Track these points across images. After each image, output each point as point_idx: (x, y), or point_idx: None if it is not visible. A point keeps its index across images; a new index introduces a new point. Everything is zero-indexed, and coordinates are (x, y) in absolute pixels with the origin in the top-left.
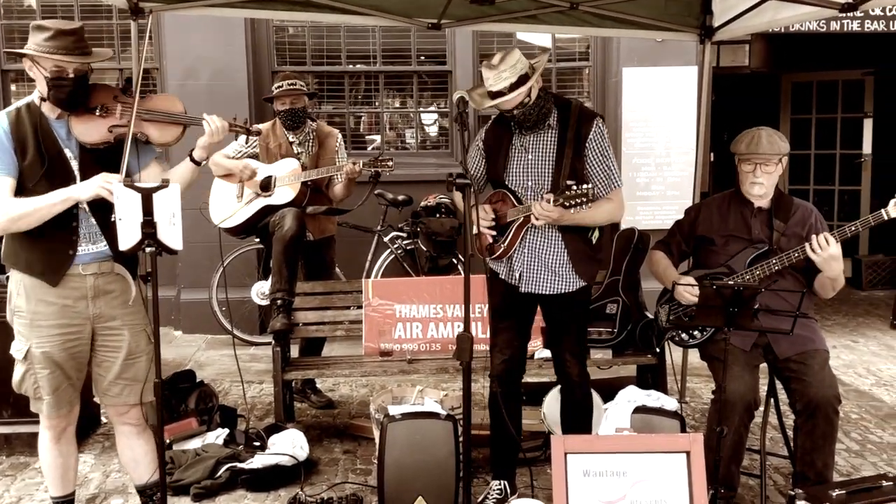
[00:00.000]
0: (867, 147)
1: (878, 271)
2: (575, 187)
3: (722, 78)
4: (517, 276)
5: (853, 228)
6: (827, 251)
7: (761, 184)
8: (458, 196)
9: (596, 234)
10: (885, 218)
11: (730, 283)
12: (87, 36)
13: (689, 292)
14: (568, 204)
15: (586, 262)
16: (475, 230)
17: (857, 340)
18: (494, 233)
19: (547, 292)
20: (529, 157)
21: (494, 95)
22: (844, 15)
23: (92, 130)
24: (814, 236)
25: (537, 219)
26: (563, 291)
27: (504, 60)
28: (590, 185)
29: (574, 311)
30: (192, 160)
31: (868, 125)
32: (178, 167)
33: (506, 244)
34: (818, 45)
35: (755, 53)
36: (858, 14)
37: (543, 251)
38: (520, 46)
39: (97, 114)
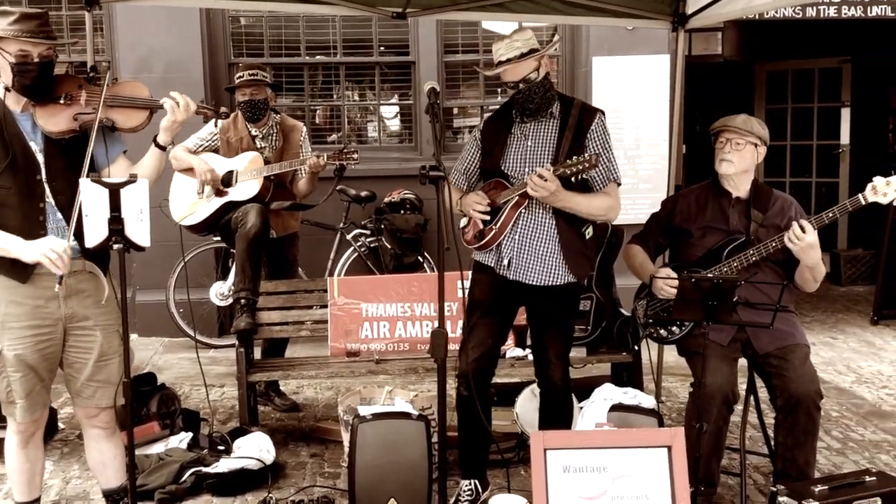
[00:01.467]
0: (845, 137)
1: (857, 266)
2: (576, 156)
3: (694, 67)
4: (506, 262)
5: (831, 215)
6: (804, 240)
7: (730, 161)
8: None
9: (590, 230)
10: (863, 203)
11: (709, 275)
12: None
13: (668, 285)
14: (568, 172)
15: (578, 257)
16: (465, 219)
17: (837, 337)
18: (487, 217)
19: (535, 282)
20: (528, 143)
21: (503, 64)
22: (821, 1)
23: (57, 119)
24: (793, 224)
25: (534, 190)
26: (551, 283)
27: (518, 33)
28: (592, 152)
29: (561, 308)
30: (157, 146)
31: (846, 115)
32: (144, 158)
33: (497, 227)
34: (793, 31)
35: (728, 41)
36: (835, 0)
37: (535, 238)
38: (485, 36)
39: (62, 102)
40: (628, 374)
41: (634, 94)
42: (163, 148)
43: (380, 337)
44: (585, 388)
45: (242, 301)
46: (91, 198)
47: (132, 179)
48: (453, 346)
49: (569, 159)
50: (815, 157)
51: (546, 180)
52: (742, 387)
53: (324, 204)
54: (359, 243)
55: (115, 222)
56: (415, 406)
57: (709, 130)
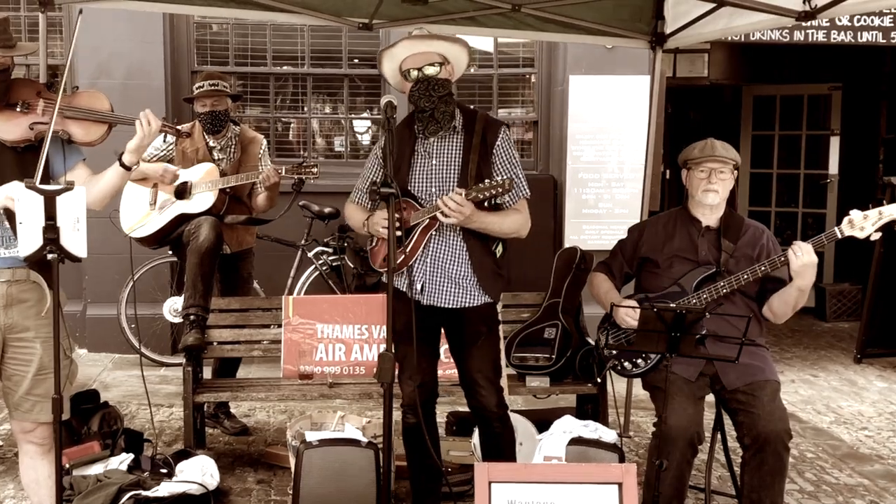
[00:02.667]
0: (833, 167)
1: (843, 301)
2: (488, 180)
3: (679, 90)
4: (418, 287)
5: None
6: (808, 255)
7: (716, 192)
8: (353, 212)
9: (500, 248)
10: (839, 236)
11: (672, 305)
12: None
13: (630, 316)
14: (482, 196)
15: (491, 277)
16: (374, 240)
17: (818, 375)
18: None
19: (449, 305)
20: (433, 162)
21: (416, 38)
22: (809, 24)
23: (12, 127)
24: (795, 242)
25: (446, 215)
26: (466, 305)
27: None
28: (507, 177)
29: (482, 329)
30: (122, 165)
31: (835, 143)
32: (106, 173)
33: (408, 251)
34: (782, 56)
35: (715, 63)
36: (824, 24)
37: (446, 260)
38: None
39: (18, 110)
40: (593, 407)
41: (614, 116)
42: (128, 168)
43: (335, 360)
44: (548, 421)
45: (192, 317)
46: (26, 204)
47: (69, 186)
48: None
49: (482, 182)
50: (803, 187)
51: (460, 205)
52: (709, 423)
53: (285, 220)
54: (320, 261)
55: (50, 231)
56: (366, 433)
57: (682, 160)
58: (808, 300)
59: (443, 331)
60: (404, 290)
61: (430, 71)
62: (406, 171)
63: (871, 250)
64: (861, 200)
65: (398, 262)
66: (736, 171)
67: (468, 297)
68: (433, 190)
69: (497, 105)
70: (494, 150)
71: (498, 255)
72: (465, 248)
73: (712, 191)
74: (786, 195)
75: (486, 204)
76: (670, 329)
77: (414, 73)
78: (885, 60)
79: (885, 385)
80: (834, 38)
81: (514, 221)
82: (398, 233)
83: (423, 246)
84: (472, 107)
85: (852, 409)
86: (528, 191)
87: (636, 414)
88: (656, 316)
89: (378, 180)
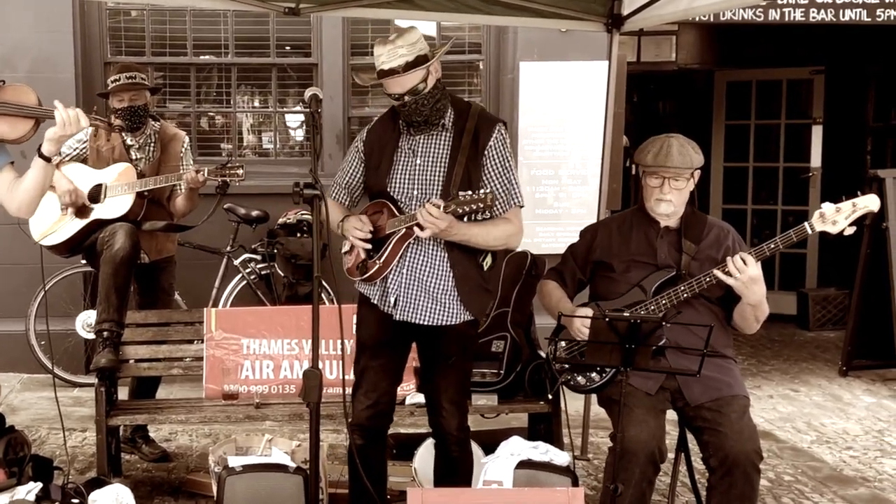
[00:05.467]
0: (816, 159)
1: (828, 308)
2: (470, 193)
3: (645, 76)
4: (392, 300)
5: (773, 246)
6: (746, 273)
7: (669, 201)
8: (331, 209)
9: (489, 260)
10: (809, 232)
11: (625, 314)
12: None
13: (585, 326)
14: (461, 211)
15: (475, 292)
16: (347, 245)
17: (799, 389)
18: (369, 247)
19: (425, 322)
20: (418, 161)
21: (386, 75)
22: (785, 2)
23: None
24: (729, 258)
25: (422, 228)
26: (444, 323)
27: (402, 37)
28: (488, 190)
29: (456, 350)
30: (42, 156)
31: (817, 133)
32: (29, 172)
33: (382, 261)
34: (757, 37)
35: (683, 46)
36: (802, 1)
37: (425, 273)
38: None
39: None
40: (545, 426)
41: (572, 106)
42: (48, 159)
43: (262, 378)
44: (496, 442)
45: (105, 333)
46: None
47: None
48: (337, 390)
49: (463, 194)
50: (782, 182)
51: (437, 218)
52: (672, 443)
53: (209, 225)
54: (248, 270)
55: None
56: (296, 458)
57: (635, 160)
58: (789, 307)
59: (414, 345)
60: (375, 301)
61: (419, 88)
62: (386, 170)
63: (858, 251)
64: (847, 196)
65: (372, 272)
66: (697, 173)
67: (447, 314)
68: (415, 193)
69: None
70: (486, 153)
71: (485, 267)
72: (446, 260)
73: (665, 201)
74: (763, 191)
75: (473, 218)
76: (624, 340)
77: (403, 98)
78: (871, 40)
79: (872, 400)
80: (813, 17)
81: (502, 232)
82: (369, 246)
83: (399, 256)
84: (468, 100)
85: (836, 426)
86: (521, 199)
87: (595, 434)
88: (608, 326)
89: (356, 177)
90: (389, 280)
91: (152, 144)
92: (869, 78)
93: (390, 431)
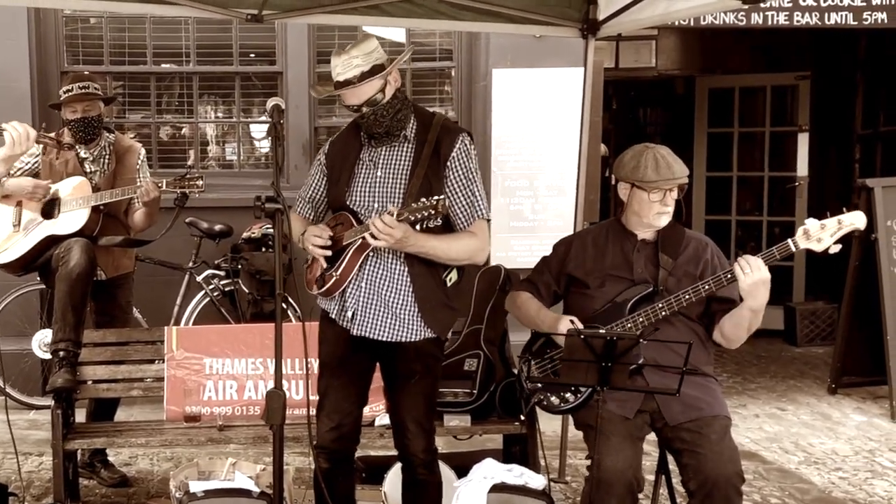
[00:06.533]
0: (802, 168)
1: (816, 323)
2: (423, 199)
3: (624, 83)
4: (349, 314)
5: None
6: (759, 272)
7: (669, 213)
8: (294, 223)
9: (453, 275)
10: (793, 249)
11: (601, 331)
12: None
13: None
14: (413, 218)
15: (438, 309)
16: (309, 257)
17: (786, 408)
18: (328, 253)
19: (382, 338)
20: (378, 173)
21: (341, 86)
22: (769, 6)
23: None
24: (743, 255)
25: (375, 237)
26: (402, 339)
27: (357, 46)
28: (441, 197)
29: (419, 369)
30: None
31: (803, 141)
32: None
33: (339, 273)
34: (740, 42)
35: (663, 52)
36: (786, 4)
37: (385, 287)
38: None
39: None
40: (521, 448)
41: (548, 115)
42: None
43: (226, 399)
44: (470, 465)
45: (62, 353)
46: None
47: None
48: (299, 411)
49: (416, 202)
50: (767, 191)
51: (390, 227)
52: (651, 465)
53: (170, 239)
54: (211, 286)
55: None
56: (260, 482)
57: (627, 177)
58: (776, 322)
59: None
60: (334, 316)
61: (376, 99)
62: (346, 182)
63: (846, 263)
64: (835, 206)
65: (329, 285)
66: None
67: (406, 330)
68: (376, 205)
69: None
70: (448, 164)
71: (449, 283)
72: (406, 274)
73: (666, 213)
74: (748, 201)
75: (425, 225)
76: (600, 358)
77: (360, 109)
78: (858, 44)
79: (863, 419)
80: (798, 21)
81: (465, 246)
82: (328, 252)
83: (356, 268)
84: (432, 110)
85: (825, 446)
86: (486, 211)
87: (574, 455)
88: (584, 343)
89: (320, 190)
90: (347, 294)
91: (107, 157)
92: (856, 84)
93: (360, 454)
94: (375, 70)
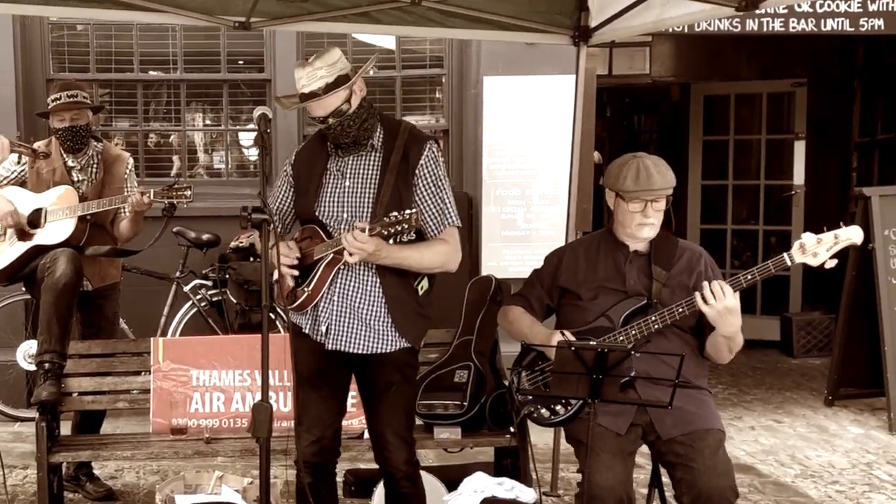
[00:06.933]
0: (799, 176)
1: (813, 333)
2: (396, 213)
3: (618, 90)
4: (323, 329)
5: (749, 277)
6: (722, 302)
7: (652, 224)
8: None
9: (424, 283)
10: (789, 263)
11: (592, 343)
12: None
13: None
14: (387, 232)
15: (411, 319)
16: (276, 272)
17: (782, 420)
18: (296, 273)
19: (358, 351)
20: (346, 183)
21: (307, 98)
22: (764, 12)
23: None
24: (705, 283)
25: (350, 253)
26: (378, 351)
27: (321, 58)
28: (414, 210)
29: (397, 379)
30: None
31: (800, 149)
32: None
33: (311, 289)
34: (736, 48)
35: (658, 59)
36: (782, 10)
37: (357, 300)
38: (358, 50)
39: None
40: (512, 461)
41: (540, 123)
42: None
43: (213, 411)
44: (461, 478)
45: (47, 365)
46: None
47: None
48: (287, 424)
49: (388, 216)
50: (763, 200)
51: (362, 243)
52: (645, 478)
53: (157, 249)
54: (198, 296)
55: None
56: (247, 496)
57: (610, 185)
58: (771, 333)
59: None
60: (307, 331)
61: (342, 109)
62: (315, 194)
63: (843, 273)
64: (832, 215)
65: (302, 300)
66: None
67: (381, 341)
68: (345, 216)
69: (401, 112)
70: (417, 171)
71: (421, 292)
72: (378, 285)
73: (648, 224)
74: (744, 210)
75: (399, 239)
76: (591, 370)
77: (327, 121)
78: (856, 51)
79: (860, 431)
80: (793, 27)
81: (437, 254)
82: (295, 272)
83: (328, 283)
84: (398, 118)
85: (822, 459)
86: (456, 219)
87: (566, 469)
88: (574, 355)
89: (287, 201)
90: (320, 308)
91: (95, 166)
92: (853, 91)
93: (349, 467)
94: (340, 81)
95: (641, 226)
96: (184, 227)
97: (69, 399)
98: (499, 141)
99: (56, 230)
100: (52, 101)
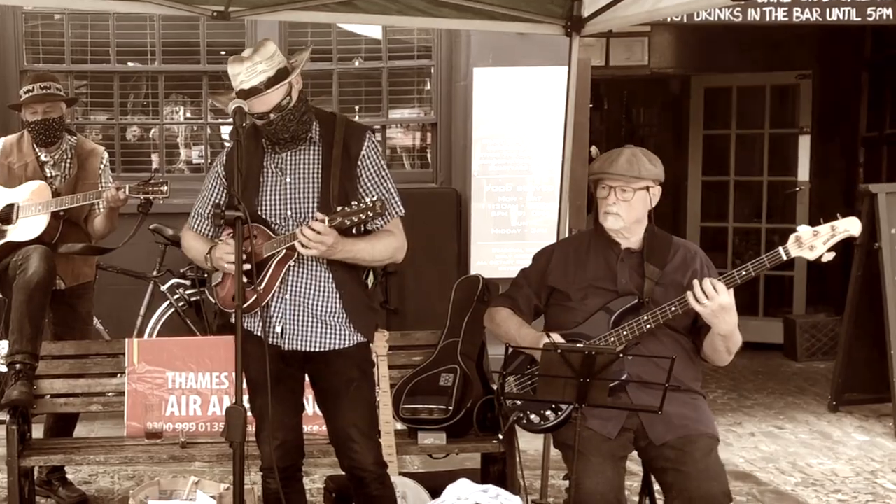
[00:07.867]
0: (804, 172)
1: (817, 336)
2: (356, 203)
3: (616, 81)
4: (278, 330)
5: (744, 273)
6: (716, 300)
7: (616, 214)
8: (192, 242)
9: (370, 277)
10: (784, 258)
11: (579, 346)
12: None
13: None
14: (349, 222)
15: (364, 313)
16: (218, 276)
17: (784, 426)
18: (248, 267)
19: (316, 349)
20: (287, 179)
21: (248, 94)
22: (765, 1)
23: None
24: (696, 282)
25: (306, 247)
26: (336, 347)
27: (258, 52)
28: (376, 198)
29: (356, 375)
30: None
31: (804, 144)
32: None
33: (262, 288)
34: (738, 39)
35: (656, 49)
36: (785, 0)
37: (311, 296)
38: (342, 41)
39: None
40: (500, 468)
41: (532, 116)
42: None
43: (189, 415)
44: (445, 485)
45: (18, 366)
46: None
47: None
48: None
49: (347, 206)
50: (766, 197)
51: (322, 234)
52: (636, 484)
53: (133, 247)
54: (176, 296)
55: None
56: (223, 502)
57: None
58: (774, 335)
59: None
60: (257, 332)
61: (283, 104)
62: (254, 192)
63: (849, 274)
64: (837, 211)
65: (251, 301)
66: (655, 189)
67: (338, 337)
68: (289, 213)
69: (388, 104)
70: (359, 163)
71: (369, 285)
72: (331, 280)
73: (612, 214)
74: (746, 207)
75: (362, 229)
76: (578, 374)
77: (268, 117)
78: (863, 42)
79: (865, 438)
80: (797, 17)
81: (386, 246)
82: (247, 266)
83: (280, 280)
84: (330, 110)
85: (824, 467)
86: (401, 208)
87: (556, 476)
88: (561, 358)
89: (222, 202)
90: (272, 308)
91: (68, 160)
92: (861, 83)
93: (329, 473)
94: (281, 75)
95: (606, 214)
96: (161, 224)
97: (41, 401)
98: (490, 135)
99: (28, 226)
100: (25, 92)
